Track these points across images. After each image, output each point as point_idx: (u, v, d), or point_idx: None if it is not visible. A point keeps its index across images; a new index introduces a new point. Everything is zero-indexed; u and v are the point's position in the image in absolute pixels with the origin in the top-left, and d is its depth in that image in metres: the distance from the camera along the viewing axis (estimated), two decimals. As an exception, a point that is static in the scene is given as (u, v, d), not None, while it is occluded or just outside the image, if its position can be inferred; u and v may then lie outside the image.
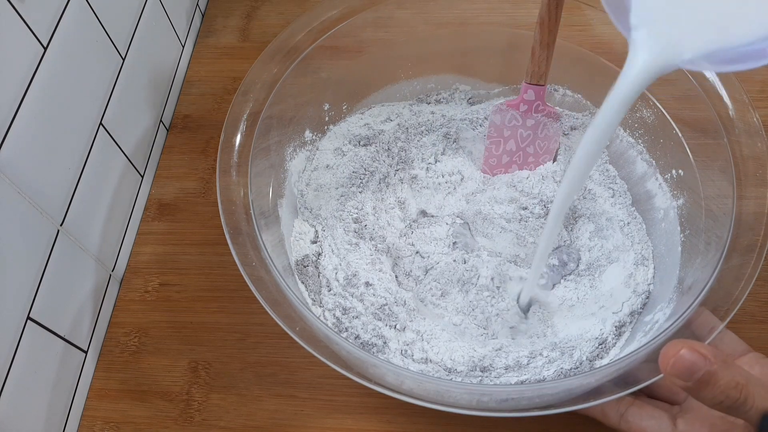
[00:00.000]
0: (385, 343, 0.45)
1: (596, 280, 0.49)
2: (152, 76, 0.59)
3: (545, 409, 0.36)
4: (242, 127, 0.46)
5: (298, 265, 0.49)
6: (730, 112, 0.44)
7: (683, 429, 0.37)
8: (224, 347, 0.49)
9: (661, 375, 0.33)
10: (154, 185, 0.58)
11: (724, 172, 0.43)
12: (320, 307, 0.47)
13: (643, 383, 0.35)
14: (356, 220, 0.51)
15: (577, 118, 0.56)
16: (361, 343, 0.45)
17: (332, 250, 0.50)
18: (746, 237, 0.40)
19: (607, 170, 0.54)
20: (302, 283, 0.48)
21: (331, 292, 0.47)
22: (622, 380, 0.36)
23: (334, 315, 0.46)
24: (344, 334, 0.45)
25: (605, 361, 0.44)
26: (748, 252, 0.39)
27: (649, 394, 0.41)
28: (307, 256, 0.49)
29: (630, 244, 0.50)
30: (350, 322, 0.46)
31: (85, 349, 0.49)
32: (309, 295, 0.47)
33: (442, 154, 0.55)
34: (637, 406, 0.39)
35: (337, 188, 0.53)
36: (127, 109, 0.54)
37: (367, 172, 0.54)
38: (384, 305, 0.47)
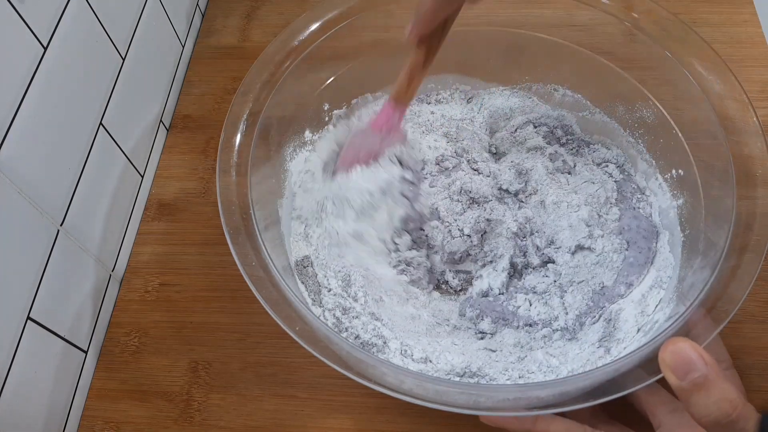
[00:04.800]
0: (385, 343, 0.45)
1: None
2: (152, 76, 0.59)
3: (545, 409, 0.36)
4: (242, 127, 0.46)
5: (298, 265, 0.49)
6: (730, 112, 0.44)
7: None
8: (224, 347, 0.49)
9: (660, 375, 0.33)
10: (154, 185, 0.58)
11: (724, 172, 0.43)
12: (320, 307, 0.47)
13: (643, 384, 0.35)
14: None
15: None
16: (361, 343, 0.45)
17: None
18: (746, 237, 0.40)
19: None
20: (302, 283, 0.48)
21: (331, 292, 0.47)
22: (621, 381, 0.36)
23: (334, 315, 0.46)
24: (344, 334, 0.45)
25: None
26: (748, 252, 0.39)
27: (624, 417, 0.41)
28: (307, 256, 0.49)
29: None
30: (350, 322, 0.46)
31: (85, 349, 0.49)
32: (309, 295, 0.47)
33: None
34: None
35: (337, 188, 0.53)
36: (127, 109, 0.54)
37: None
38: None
